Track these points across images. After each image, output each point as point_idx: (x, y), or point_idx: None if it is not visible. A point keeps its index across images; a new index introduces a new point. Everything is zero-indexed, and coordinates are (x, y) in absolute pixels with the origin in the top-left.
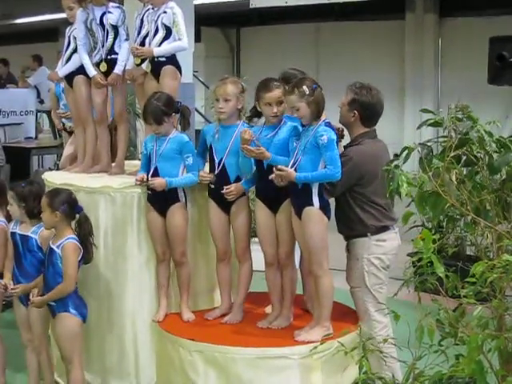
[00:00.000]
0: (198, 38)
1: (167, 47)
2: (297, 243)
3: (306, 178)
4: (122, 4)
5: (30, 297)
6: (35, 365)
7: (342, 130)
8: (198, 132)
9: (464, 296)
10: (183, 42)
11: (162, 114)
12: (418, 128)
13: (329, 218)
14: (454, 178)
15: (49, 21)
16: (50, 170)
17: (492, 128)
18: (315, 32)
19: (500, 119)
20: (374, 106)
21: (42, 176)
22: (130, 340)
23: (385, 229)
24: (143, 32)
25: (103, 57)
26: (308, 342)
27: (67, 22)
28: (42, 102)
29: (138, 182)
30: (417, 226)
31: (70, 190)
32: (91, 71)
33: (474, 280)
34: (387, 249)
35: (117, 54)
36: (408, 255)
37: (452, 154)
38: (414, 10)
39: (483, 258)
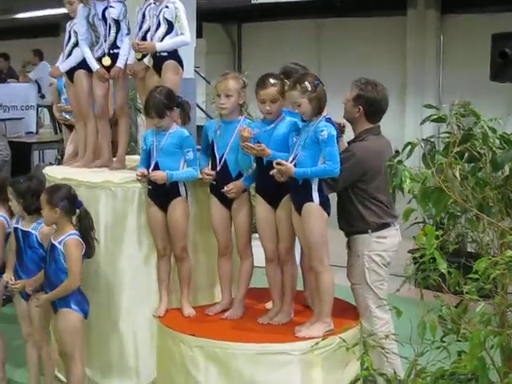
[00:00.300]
0: (199, 34)
1: (170, 42)
2: (297, 239)
3: (304, 173)
4: None
5: (28, 290)
6: (35, 359)
7: (343, 126)
8: (199, 128)
9: (466, 292)
10: (186, 36)
11: (164, 107)
12: (422, 123)
13: (329, 213)
14: (457, 174)
15: (50, 15)
16: (51, 164)
17: (494, 125)
18: (317, 28)
19: (502, 116)
20: (379, 102)
21: (43, 171)
22: (130, 335)
23: (386, 226)
24: (145, 27)
25: (106, 51)
26: (309, 338)
27: (68, 17)
28: (42, 96)
29: (139, 177)
30: (418, 223)
31: (70, 186)
32: (94, 65)
33: (476, 276)
34: (388, 246)
35: (119, 48)
36: (409, 252)
37: (456, 150)
38: (416, 6)
39: (484, 254)
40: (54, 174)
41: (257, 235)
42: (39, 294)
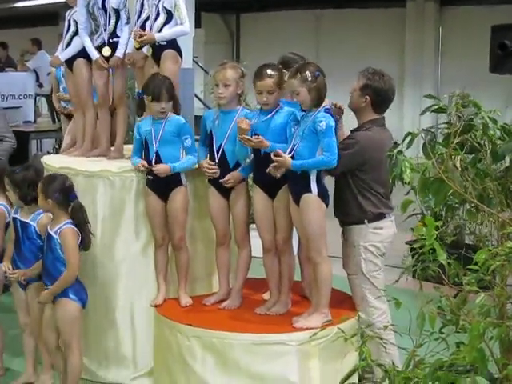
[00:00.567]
0: (197, 24)
1: (169, 32)
2: (295, 230)
3: (302, 165)
4: None
5: (21, 280)
6: (32, 348)
7: (341, 108)
8: (197, 118)
9: (466, 284)
10: (185, 26)
11: (172, 89)
12: (422, 113)
13: (327, 204)
14: (458, 165)
15: (48, 4)
16: (49, 153)
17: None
18: (315, 19)
19: (500, 108)
20: (386, 92)
21: (41, 160)
22: (127, 325)
23: (381, 216)
24: (143, 16)
25: (105, 40)
26: (306, 329)
27: (67, 6)
28: (40, 85)
29: (142, 168)
30: (416, 214)
31: (66, 177)
32: (94, 54)
33: (476, 268)
34: (383, 237)
35: (119, 37)
36: (407, 243)
37: (456, 141)
38: None
39: (482, 246)
40: (52, 163)
41: (254, 226)
42: (38, 284)
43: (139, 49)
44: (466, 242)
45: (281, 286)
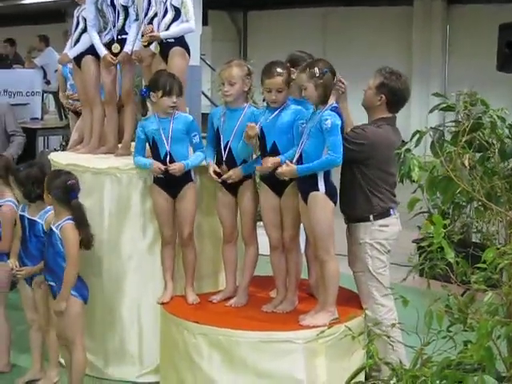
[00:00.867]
0: (205, 21)
1: (175, 29)
2: (302, 227)
3: (307, 168)
4: None
5: (15, 271)
6: (39, 344)
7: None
8: (204, 116)
9: (474, 282)
10: (191, 23)
11: (182, 85)
12: (431, 111)
13: (335, 203)
14: (466, 163)
15: (56, 1)
16: (56, 150)
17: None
18: (323, 17)
19: (508, 107)
20: (402, 93)
21: (49, 156)
22: (133, 322)
23: (387, 213)
24: (151, 13)
25: (114, 37)
26: (313, 327)
27: (74, 3)
28: (48, 82)
29: (159, 171)
30: (423, 213)
31: (71, 176)
32: (102, 51)
33: (484, 266)
34: (389, 234)
35: (127, 34)
36: (414, 241)
37: (465, 139)
38: None
39: (490, 245)
40: (59, 159)
41: (261, 223)
42: (38, 278)
43: (147, 46)
44: (474, 240)
45: (288, 284)
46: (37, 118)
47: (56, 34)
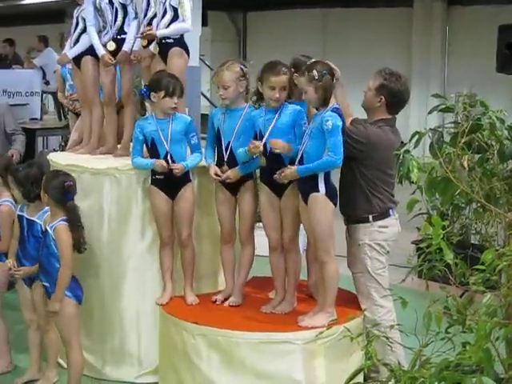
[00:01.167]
0: (204, 22)
1: (171, 29)
2: (302, 228)
3: (307, 169)
4: None
5: (13, 271)
6: (37, 345)
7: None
8: (203, 116)
9: (473, 283)
10: (187, 23)
11: (183, 86)
12: (430, 113)
13: (335, 204)
14: (465, 164)
15: (55, 2)
16: (55, 151)
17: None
18: (322, 18)
19: (507, 108)
20: (402, 94)
21: (48, 157)
22: (132, 323)
23: (387, 214)
24: (150, 14)
25: (114, 37)
26: (312, 328)
27: (73, 4)
28: (47, 83)
29: (161, 168)
30: (422, 214)
31: (69, 178)
32: (100, 51)
33: (483, 268)
34: (388, 235)
35: (126, 33)
36: (413, 243)
37: (464, 140)
38: None
39: (489, 246)
40: (58, 160)
41: (261, 224)
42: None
43: (146, 47)
44: (472, 241)
45: (286, 285)
46: (36, 119)
47: (55, 35)
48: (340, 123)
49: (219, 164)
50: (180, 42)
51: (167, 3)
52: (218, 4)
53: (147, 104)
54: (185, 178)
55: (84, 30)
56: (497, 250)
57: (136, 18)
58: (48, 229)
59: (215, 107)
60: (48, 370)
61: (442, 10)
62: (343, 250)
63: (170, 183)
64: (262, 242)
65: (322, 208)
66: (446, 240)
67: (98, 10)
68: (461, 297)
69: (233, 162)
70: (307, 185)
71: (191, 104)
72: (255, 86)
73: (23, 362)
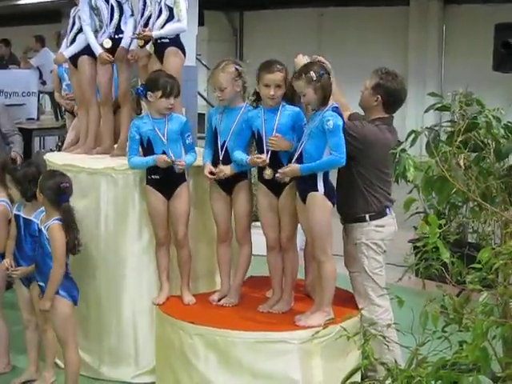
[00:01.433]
0: (201, 22)
1: (167, 29)
2: (300, 227)
3: (310, 167)
4: None
5: (10, 271)
6: (35, 345)
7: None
8: (200, 116)
9: (469, 282)
10: (182, 23)
11: (179, 86)
12: (426, 111)
13: (333, 203)
14: (461, 163)
15: (51, 2)
16: (52, 151)
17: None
18: (318, 17)
19: (504, 107)
20: (399, 93)
21: (44, 157)
22: (129, 322)
23: (383, 213)
24: (146, 13)
25: (110, 36)
26: (308, 327)
27: (70, 3)
28: (44, 83)
29: (165, 163)
30: (419, 213)
31: (66, 178)
32: (98, 50)
33: (479, 266)
34: (385, 234)
35: (123, 32)
36: (410, 242)
37: (460, 139)
38: None
39: (485, 245)
40: (55, 160)
41: (258, 223)
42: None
43: (143, 46)
44: (469, 240)
45: (284, 284)
46: (33, 119)
47: (51, 35)
48: (341, 122)
49: (214, 163)
50: (176, 41)
51: (162, 3)
52: (214, 3)
53: (143, 103)
54: (180, 177)
55: (81, 30)
56: (493, 249)
57: (132, 15)
58: (42, 228)
59: (212, 107)
60: (45, 370)
61: (439, 9)
62: (340, 249)
63: (165, 183)
64: (259, 242)
65: (321, 207)
66: (443, 239)
67: (94, 9)
68: (457, 296)
69: (228, 161)
70: (306, 184)
71: (188, 104)
72: (252, 85)
73: (21, 363)
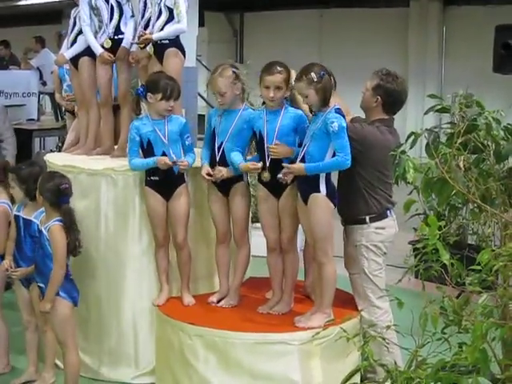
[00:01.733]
0: (201, 23)
1: (167, 30)
2: (300, 228)
3: (316, 168)
4: None
5: (10, 272)
6: (34, 345)
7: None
8: (200, 117)
9: (469, 284)
10: (182, 24)
11: (180, 88)
12: (426, 113)
13: (335, 204)
14: (461, 165)
15: (52, 2)
16: (52, 151)
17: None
18: (318, 18)
19: (504, 108)
20: (399, 94)
21: (45, 157)
22: (129, 323)
23: (384, 215)
24: (147, 15)
25: (110, 37)
26: (308, 328)
27: (70, 4)
28: (44, 83)
29: (165, 166)
30: (418, 214)
31: (65, 179)
32: (98, 49)
33: (479, 268)
34: (385, 236)
35: (123, 33)
36: (410, 243)
37: (460, 141)
38: None
39: (485, 246)
40: (55, 160)
41: (258, 225)
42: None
43: (143, 48)
44: (469, 242)
45: (284, 286)
46: (33, 119)
47: (52, 36)
48: (345, 124)
49: (212, 164)
50: (175, 42)
51: (162, 4)
52: (215, 4)
53: (143, 104)
54: (179, 179)
55: (81, 31)
56: (493, 251)
57: (133, 16)
58: (43, 229)
59: (212, 108)
60: (45, 371)
61: (439, 11)
62: (340, 251)
63: (164, 184)
64: (259, 243)
65: (323, 208)
66: (443, 240)
67: (94, 9)
68: (457, 297)
69: (225, 162)
70: (308, 185)
71: (188, 105)
72: (251, 87)
73: (20, 363)
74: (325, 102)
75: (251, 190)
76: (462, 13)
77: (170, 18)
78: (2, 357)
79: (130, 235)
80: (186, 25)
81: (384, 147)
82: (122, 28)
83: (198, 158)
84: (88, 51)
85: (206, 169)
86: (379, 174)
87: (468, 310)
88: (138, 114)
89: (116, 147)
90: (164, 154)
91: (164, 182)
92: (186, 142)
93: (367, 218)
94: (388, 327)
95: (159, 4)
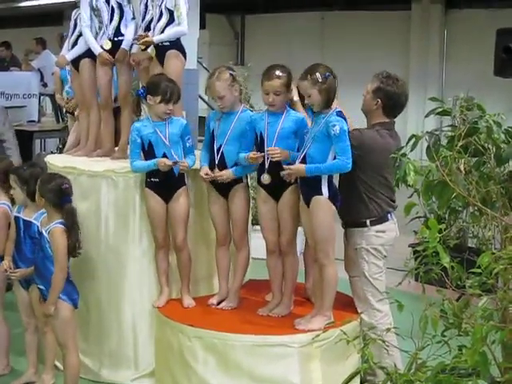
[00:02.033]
0: (202, 25)
1: (168, 33)
2: (300, 230)
3: (316, 169)
4: None
5: (9, 273)
6: (34, 347)
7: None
8: (201, 119)
9: (469, 287)
10: (182, 26)
11: (180, 91)
12: (427, 116)
13: (337, 207)
14: (462, 168)
15: (53, 4)
16: (52, 153)
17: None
18: (320, 21)
19: (505, 112)
20: (399, 97)
21: (45, 159)
22: (129, 325)
23: (385, 219)
24: (148, 17)
25: (110, 38)
26: (308, 331)
27: (71, 6)
28: (45, 85)
29: (166, 167)
30: (419, 217)
31: (65, 179)
32: (97, 49)
33: (479, 271)
34: (385, 240)
35: (123, 35)
36: (410, 246)
37: (460, 144)
38: (421, 0)
39: (486, 249)
40: (56, 162)
41: (258, 227)
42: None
43: (144, 49)
44: (469, 245)
45: (283, 288)
46: (34, 121)
47: (53, 37)
48: (346, 127)
49: (211, 167)
50: (176, 44)
51: (163, 6)
52: (216, 7)
53: (143, 105)
54: (179, 180)
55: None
56: (493, 254)
57: (134, 18)
58: (43, 232)
59: (213, 110)
60: (44, 372)
61: (440, 14)
62: (341, 253)
63: (164, 186)
64: (259, 245)
65: (325, 211)
66: (443, 243)
67: (94, 10)
68: (457, 300)
69: (223, 164)
70: (310, 187)
71: (189, 107)
72: (250, 88)
73: (20, 365)
74: (327, 103)
75: (251, 192)
76: (463, 16)
77: (171, 21)
78: (1, 358)
79: (131, 237)
80: (186, 27)
81: (384, 150)
82: (122, 30)
83: (198, 159)
84: (89, 53)
85: (205, 170)
86: (380, 178)
87: (468, 313)
88: (138, 115)
89: (116, 149)
90: (165, 156)
91: (164, 183)
92: (187, 144)
93: (368, 222)
94: (388, 330)
95: (160, 6)
